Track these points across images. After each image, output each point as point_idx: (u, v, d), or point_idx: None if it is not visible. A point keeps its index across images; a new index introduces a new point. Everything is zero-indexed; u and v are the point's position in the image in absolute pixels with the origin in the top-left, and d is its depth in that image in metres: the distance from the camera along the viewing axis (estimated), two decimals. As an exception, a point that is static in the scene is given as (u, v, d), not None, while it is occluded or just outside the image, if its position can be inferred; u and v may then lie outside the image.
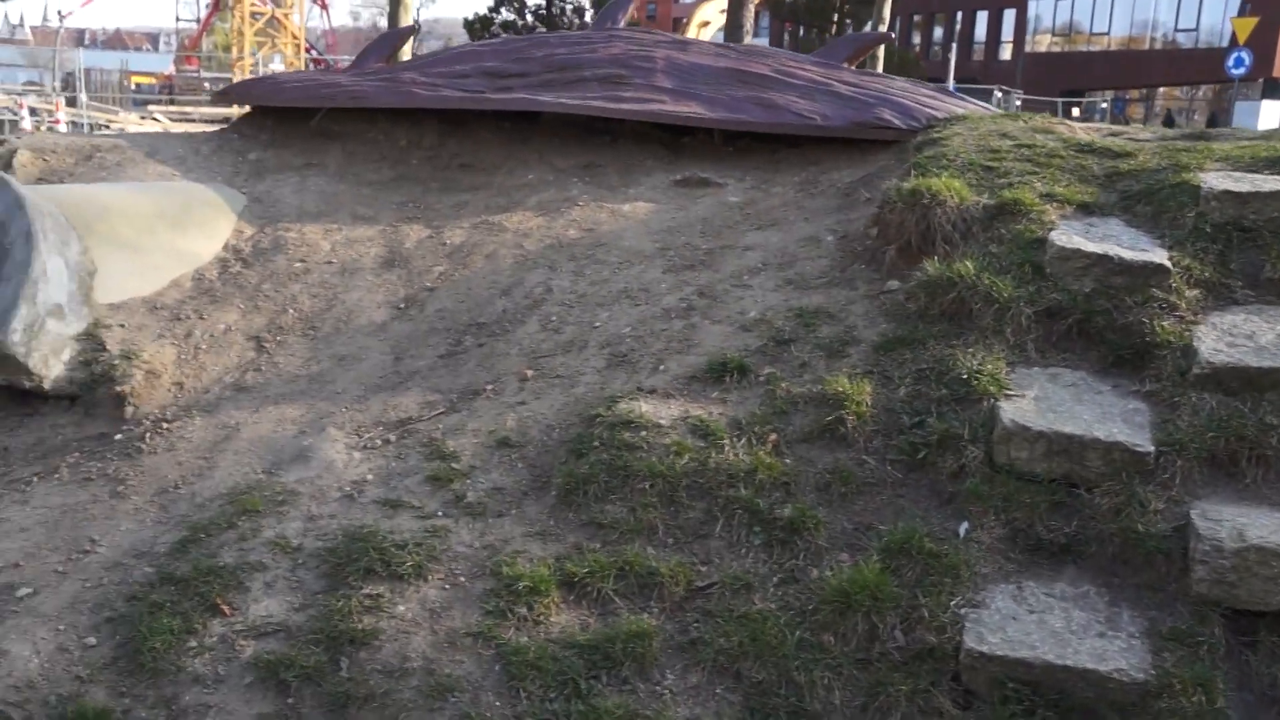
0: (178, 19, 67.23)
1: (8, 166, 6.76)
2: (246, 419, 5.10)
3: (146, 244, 6.14)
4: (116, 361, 5.37)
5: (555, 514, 4.38)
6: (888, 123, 6.94)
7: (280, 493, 4.49)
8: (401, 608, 3.95)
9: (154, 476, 4.75)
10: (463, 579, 4.07)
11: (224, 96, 8.59)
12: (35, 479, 4.89)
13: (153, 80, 62.18)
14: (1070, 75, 47.60)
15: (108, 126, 30.67)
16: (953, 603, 3.95)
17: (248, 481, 4.63)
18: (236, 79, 48.95)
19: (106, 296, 5.77)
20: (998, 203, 5.54)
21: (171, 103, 47.68)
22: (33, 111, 29.08)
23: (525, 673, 3.72)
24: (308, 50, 55.47)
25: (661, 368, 5.05)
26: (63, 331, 5.46)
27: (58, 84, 46.64)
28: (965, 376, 4.70)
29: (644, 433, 4.57)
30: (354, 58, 8.83)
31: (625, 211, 6.58)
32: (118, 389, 5.27)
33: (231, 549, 4.19)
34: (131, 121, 34.50)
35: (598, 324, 5.51)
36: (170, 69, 66.45)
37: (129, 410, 5.24)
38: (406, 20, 11.43)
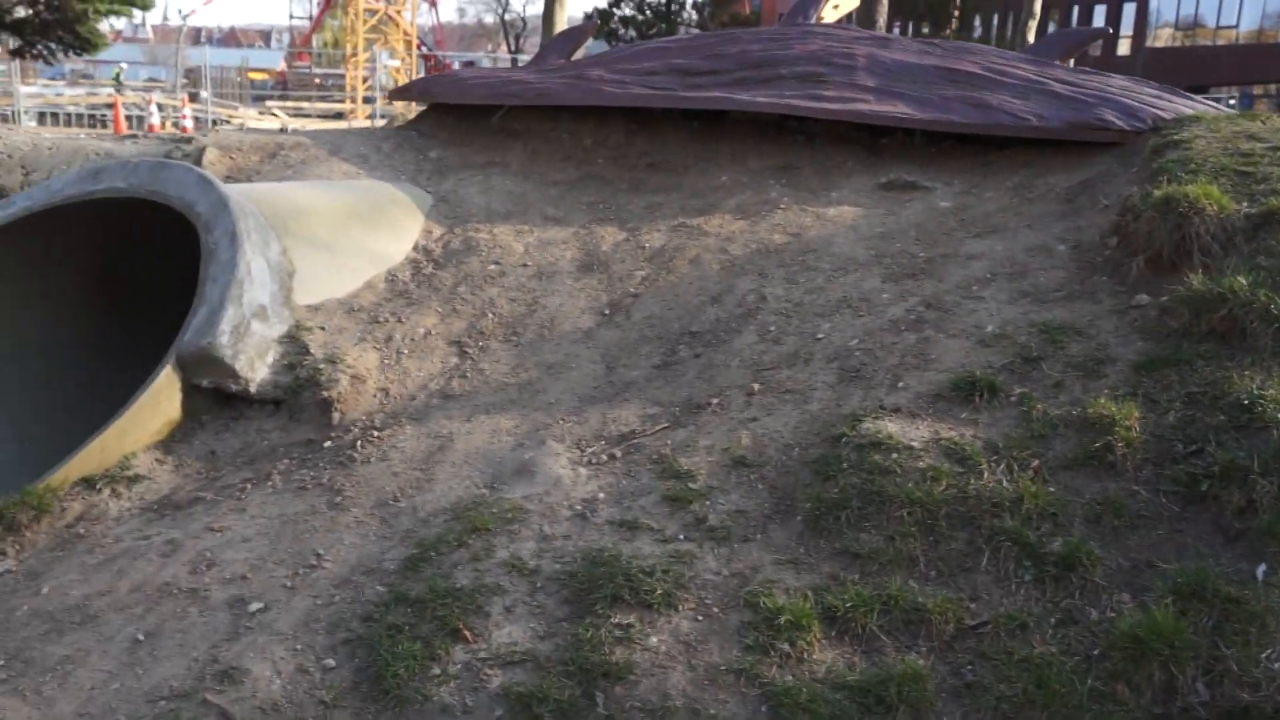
0: (291, 16, 68.43)
1: (196, 165, 6.73)
2: (459, 429, 4.93)
3: (341, 244, 6.03)
4: (321, 366, 5.25)
5: (804, 541, 4.10)
6: (1109, 124, 6.54)
7: (509, 510, 4.29)
8: (654, 639, 3.71)
9: (371, 488, 4.60)
10: (715, 609, 3.82)
11: (404, 93, 8.52)
12: (248, 486, 4.78)
13: (266, 76, 63.49)
14: (1194, 70, 45.87)
15: (228, 121, 31.32)
16: (1264, 656, 3.57)
17: (471, 496, 4.45)
18: (349, 75, 49.74)
19: (305, 298, 5.67)
20: (1262, 211, 5.12)
21: (284, 98, 48.59)
22: (159, 108, 29.79)
23: (796, 716, 3.45)
24: (418, 47, 56.00)
25: (900, 384, 4.74)
26: (267, 334, 5.36)
27: (180, 80, 48.01)
28: (1247, 402, 4.31)
29: (895, 455, 4.28)
30: (533, 55, 8.68)
31: (830, 216, 6.29)
32: (324, 394, 5.14)
33: (465, 570, 4.00)
34: (250, 117, 35.23)
35: (820, 335, 5.23)
36: (282, 65, 67.87)
37: (335, 416, 5.11)
38: (562, 17, 11.28)
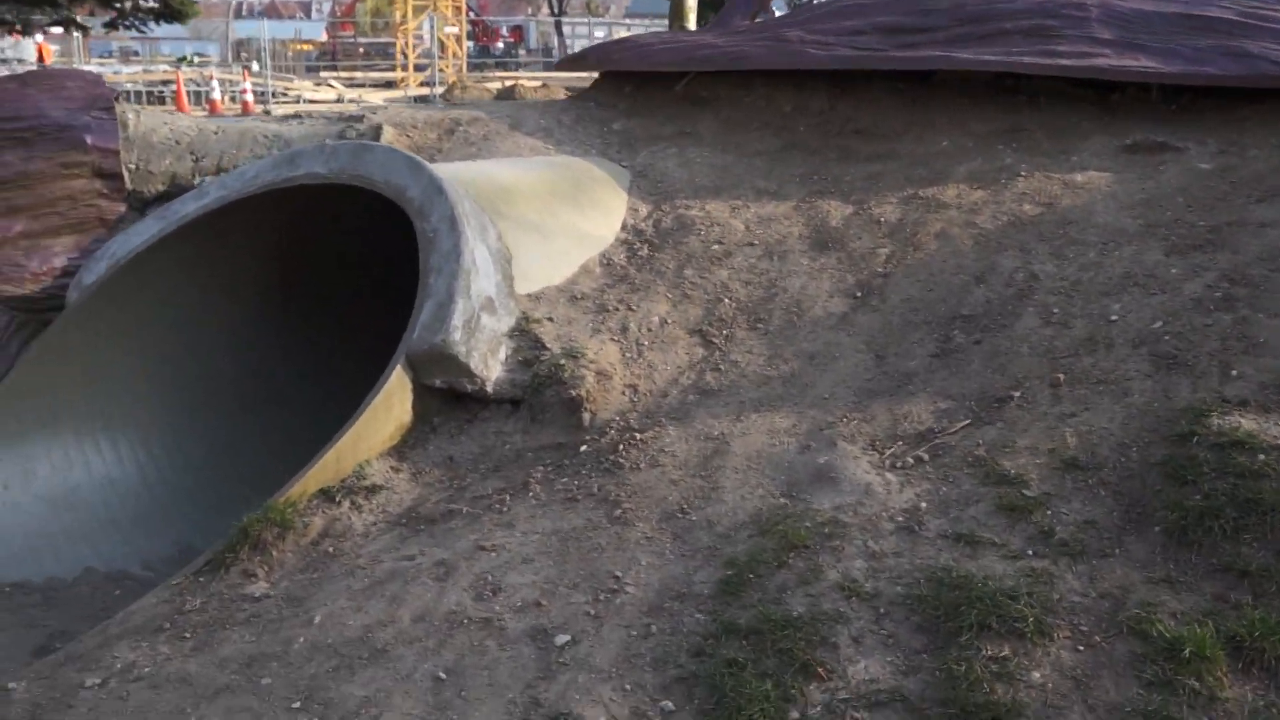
0: (338, -13, 68.41)
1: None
2: (730, 429, 4.53)
3: (550, 226, 5.65)
4: (562, 361, 4.86)
5: (1169, 555, 3.67)
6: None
7: (822, 523, 3.89)
8: (1036, 675, 3.30)
9: (650, 498, 4.22)
10: (1096, 638, 3.40)
11: (579, 61, 8.10)
12: (506, 497, 4.42)
13: (310, 48, 63.34)
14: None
15: (285, 94, 31.10)
16: None
17: (770, 508, 4.05)
18: (399, 43, 49.32)
19: (523, 286, 5.30)
20: None
21: (333, 68, 48.40)
22: (219, 83, 29.61)
23: (1227, 767, 3.02)
24: (467, 13, 55.43)
25: (1234, 373, 4.28)
26: (496, 327, 4.99)
27: (229, 55, 47.85)
28: None
29: (1262, 456, 3.82)
30: (716, 18, 8.20)
31: (1080, 183, 5.80)
32: (570, 393, 4.76)
33: (796, 594, 3.61)
34: (307, 88, 35.00)
35: (1113, 317, 4.77)
36: (324, 35, 67.65)
37: (585, 417, 4.74)
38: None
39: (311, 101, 29.69)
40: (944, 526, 3.83)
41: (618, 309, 5.29)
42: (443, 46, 51.13)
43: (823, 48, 6.57)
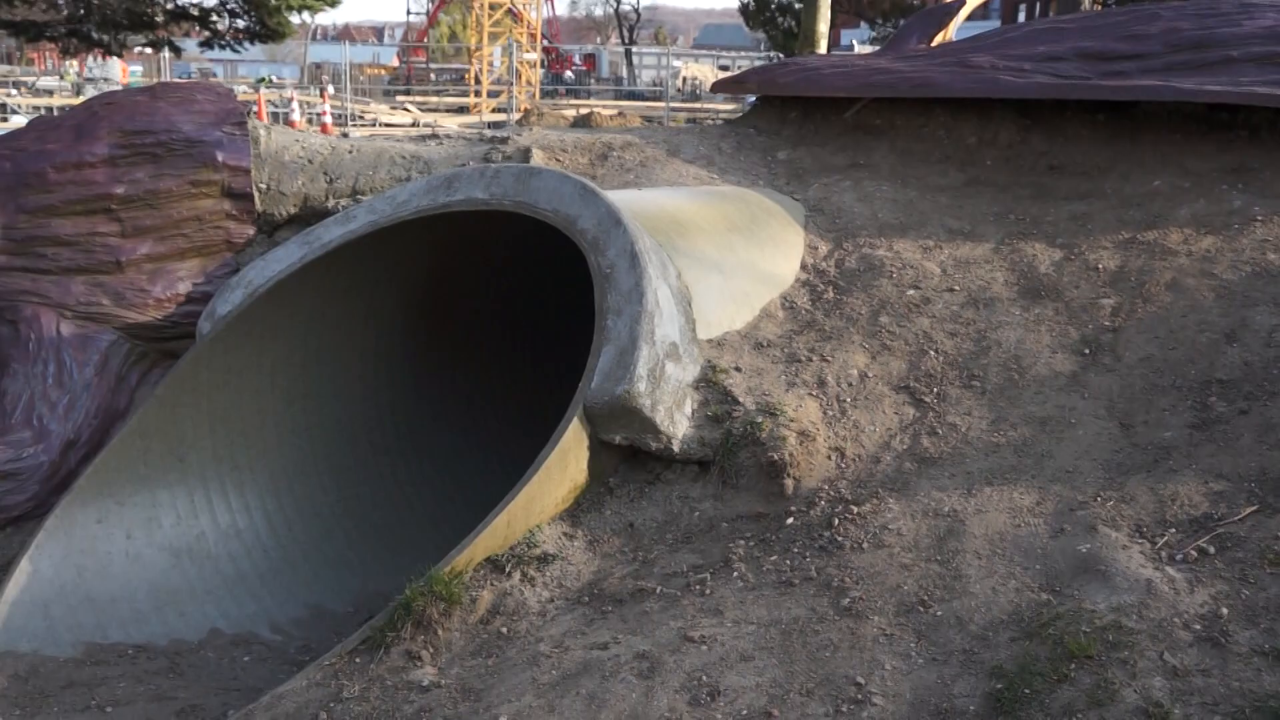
0: (409, 12, 69.43)
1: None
2: (961, 505, 3.95)
3: (729, 264, 5.13)
4: (759, 419, 4.32)
5: None
6: None
7: (1103, 628, 3.30)
8: None
9: (881, 586, 3.64)
10: None
11: (737, 84, 7.59)
12: (707, 576, 3.86)
13: (381, 72, 63.96)
14: None
15: (362, 117, 31.16)
16: None
17: (1029, 603, 3.47)
18: (472, 69, 49.47)
19: (703, 331, 4.78)
20: None
21: (408, 93, 48.75)
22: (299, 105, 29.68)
23: None
24: (542, 39, 55.64)
25: None
26: (681, 378, 4.46)
27: (305, 78, 48.23)
28: None
29: None
30: (891, 39, 7.67)
31: (1327, 229, 5.16)
32: (770, 456, 4.22)
33: (1088, 719, 3.00)
34: (383, 112, 35.13)
35: None
36: (395, 60, 68.41)
37: (788, 484, 4.18)
38: (824, 7, 10.28)
39: (388, 125, 29.67)
40: (1257, 640, 3.22)
41: (810, 359, 4.74)
42: (517, 74, 51.25)
43: (1018, 74, 6.00)
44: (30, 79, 50.63)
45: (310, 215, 6.07)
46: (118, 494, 4.84)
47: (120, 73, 54.08)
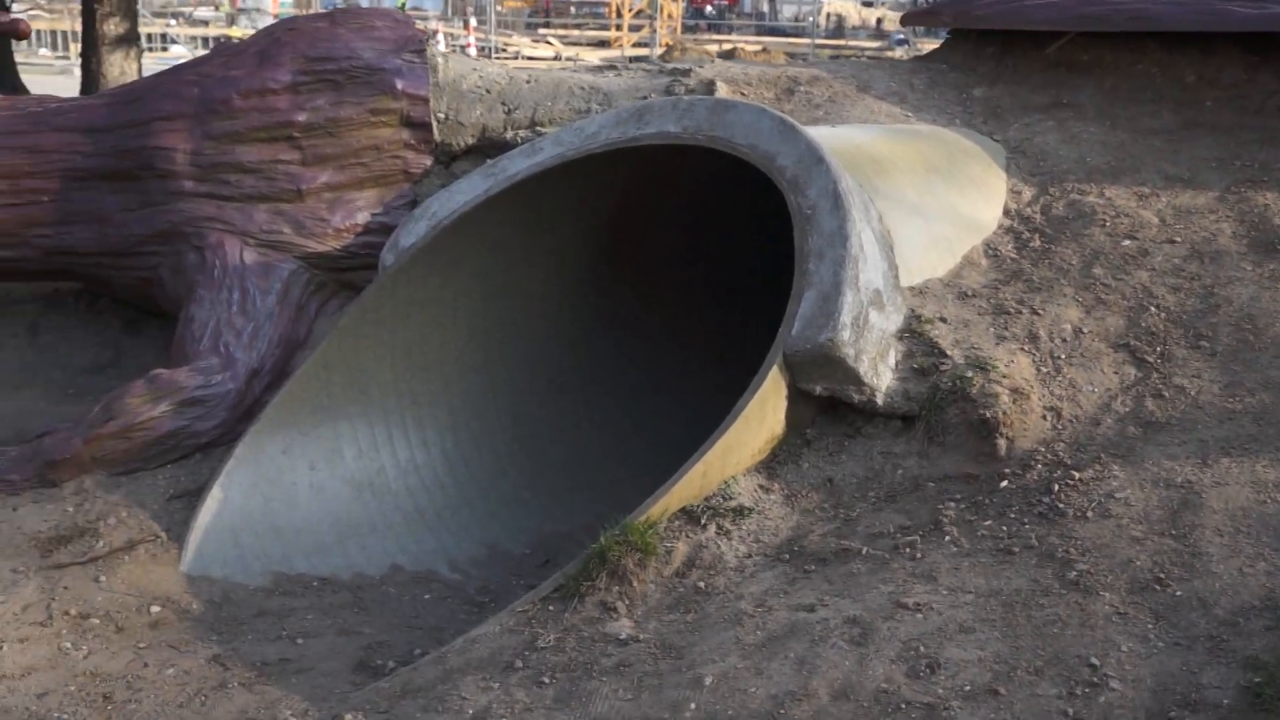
0: (544, -59, 69.09)
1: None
2: (1195, 476, 3.67)
3: (930, 207, 4.86)
4: (968, 374, 4.08)
5: None
6: None
7: (1373, 621, 2.99)
8: None
9: (1110, 560, 3.40)
10: None
11: (929, 16, 7.24)
12: (916, 539, 3.66)
13: (522, 4, 63.82)
14: None
15: (504, 49, 31.20)
16: None
17: (1285, 588, 3.17)
18: (613, 3, 48.97)
19: (904, 278, 4.52)
20: None
21: (547, 25, 48.75)
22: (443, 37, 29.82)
23: None
24: (673, -33, 54.54)
25: None
26: (884, 327, 4.24)
27: (448, 9, 48.43)
28: None
29: None
30: None
31: None
32: (981, 413, 3.98)
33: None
34: (524, 45, 35.16)
35: None
36: (531, -8, 67.99)
37: (1001, 444, 3.95)
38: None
39: (530, 58, 29.55)
40: None
41: (1019, 312, 4.46)
42: (659, 7, 50.79)
43: (1249, 3, 5.53)
44: (187, 9, 52.04)
45: (488, 146, 5.95)
46: (301, 425, 4.84)
47: (271, 3, 55.06)
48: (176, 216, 5.67)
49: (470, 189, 5.00)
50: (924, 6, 7.56)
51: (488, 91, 6.06)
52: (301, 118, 5.72)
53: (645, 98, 5.92)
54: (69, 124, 5.78)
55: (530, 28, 46.19)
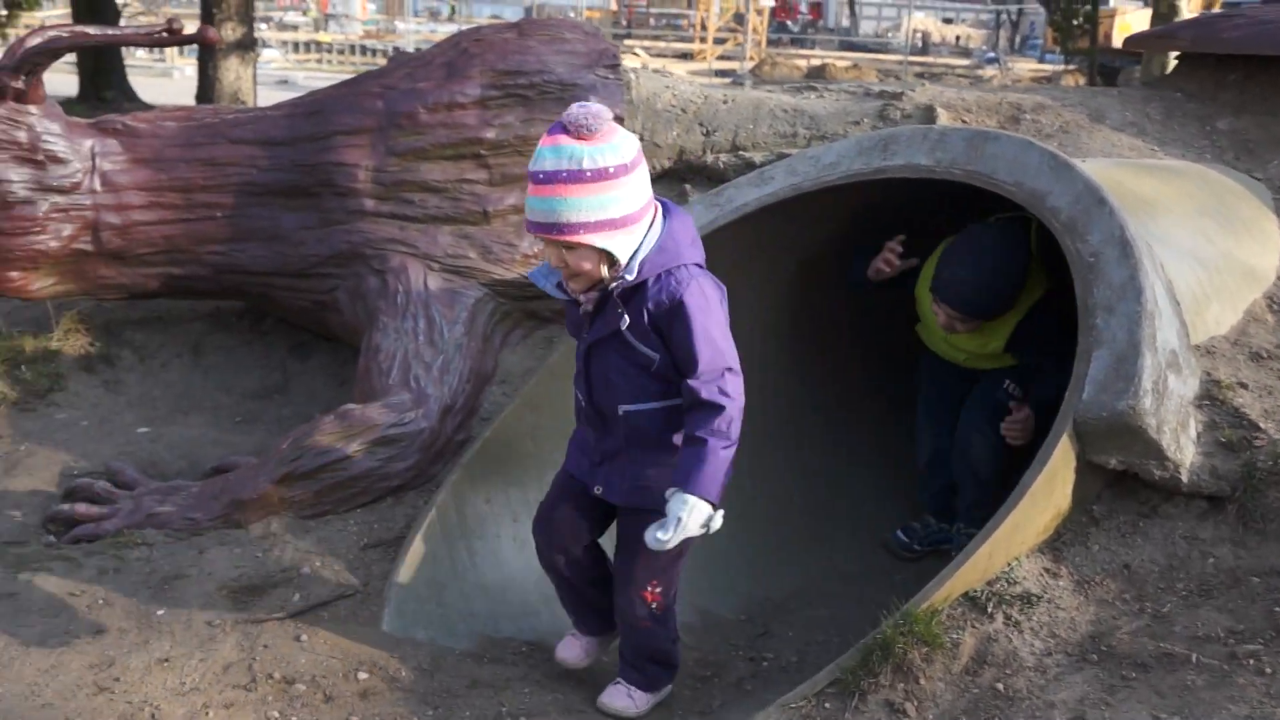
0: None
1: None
2: None
3: (1206, 254, 4.39)
4: (1290, 450, 3.56)
5: None
6: None
7: None
8: None
9: None
10: None
11: (1164, 40, 6.72)
12: (1260, 650, 3.18)
13: (600, 15, 63.96)
14: None
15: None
16: None
17: None
18: (699, 14, 48.75)
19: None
20: None
21: (629, 37, 48.76)
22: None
23: None
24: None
25: None
26: (1183, 393, 3.78)
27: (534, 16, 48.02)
28: None
29: None
30: None
31: None
32: (1310, 498, 3.45)
33: None
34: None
35: None
36: (614, 4, 68.42)
37: (1336, 536, 3.41)
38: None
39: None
40: None
41: (1324, 378, 3.95)
42: (740, 20, 50.49)
43: None
44: (275, 14, 52.67)
45: (685, 170, 5.58)
46: (506, 472, 4.47)
47: (361, 9, 55.58)
48: (356, 237, 5.34)
49: (693, 219, 4.58)
50: (1154, 29, 7.02)
51: (683, 111, 5.68)
52: (490, 134, 5.38)
53: (857, 122, 5.50)
54: (246, 136, 5.48)
55: (615, 39, 45.87)
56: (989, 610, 3.47)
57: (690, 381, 3.15)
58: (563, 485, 3.68)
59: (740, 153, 5.48)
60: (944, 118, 5.37)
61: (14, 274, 5.17)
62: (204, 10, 15.73)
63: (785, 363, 5.22)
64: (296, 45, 41.80)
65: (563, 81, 5.47)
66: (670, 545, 3.09)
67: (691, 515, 3.08)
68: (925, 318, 4.57)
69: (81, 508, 4.53)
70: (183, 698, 3.53)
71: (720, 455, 3.13)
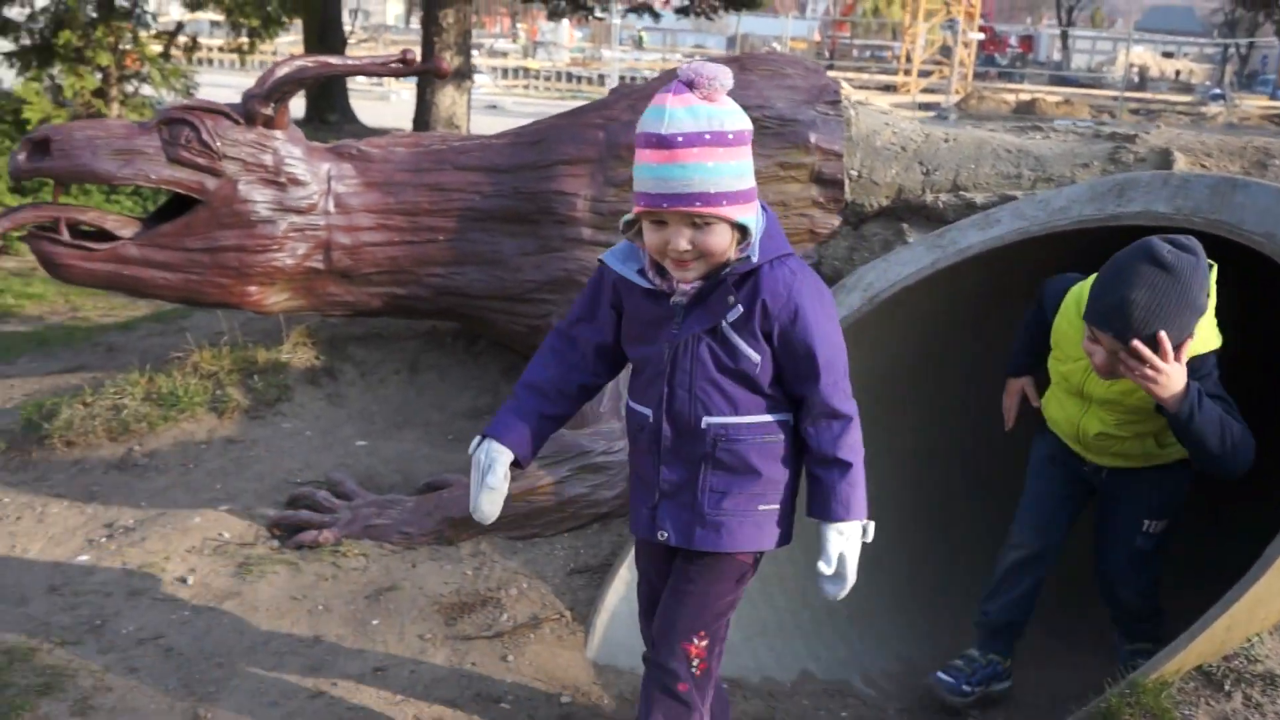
0: (841, -16, 68.73)
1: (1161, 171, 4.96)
2: None
3: None
4: None
5: None
6: None
7: None
8: None
9: None
10: None
11: None
12: None
13: (804, 46, 63.77)
14: None
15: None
16: None
17: None
18: (905, 47, 48.05)
19: None
20: None
21: (830, 68, 48.30)
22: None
23: None
24: (982, 17, 53.55)
25: None
26: None
27: (737, 50, 48.49)
28: None
29: None
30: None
31: None
32: None
33: None
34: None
35: None
36: (817, 35, 68.01)
37: None
38: None
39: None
40: None
41: None
42: (948, 53, 49.52)
43: None
44: (486, 41, 54.55)
45: (902, 209, 5.49)
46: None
47: (568, 37, 56.94)
48: (573, 265, 5.45)
49: (913, 260, 4.51)
50: None
51: (903, 149, 5.59)
52: (708, 168, 5.40)
53: (1086, 165, 5.31)
54: (471, 163, 5.67)
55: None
56: (1226, 688, 3.28)
57: (816, 387, 2.68)
58: (642, 571, 3.20)
59: (961, 193, 5.36)
60: (1181, 162, 5.13)
61: (252, 288, 5.47)
62: (424, 39, 16.39)
63: (982, 407, 5.07)
64: (505, 71, 43.17)
65: (783, 117, 5.47)
66: (848, 589, 2.78)
67: (855, 545, 2.78)
68: (1065, 378, 3.83)
69: (304, 514, 4.74)
70: (395, 707, 3.64)
71: (862, 473, 2.79)
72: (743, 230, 2.59)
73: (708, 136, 2.47)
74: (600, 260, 2.84)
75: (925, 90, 43.92)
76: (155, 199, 10.16)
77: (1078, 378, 3.73)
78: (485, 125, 20.82)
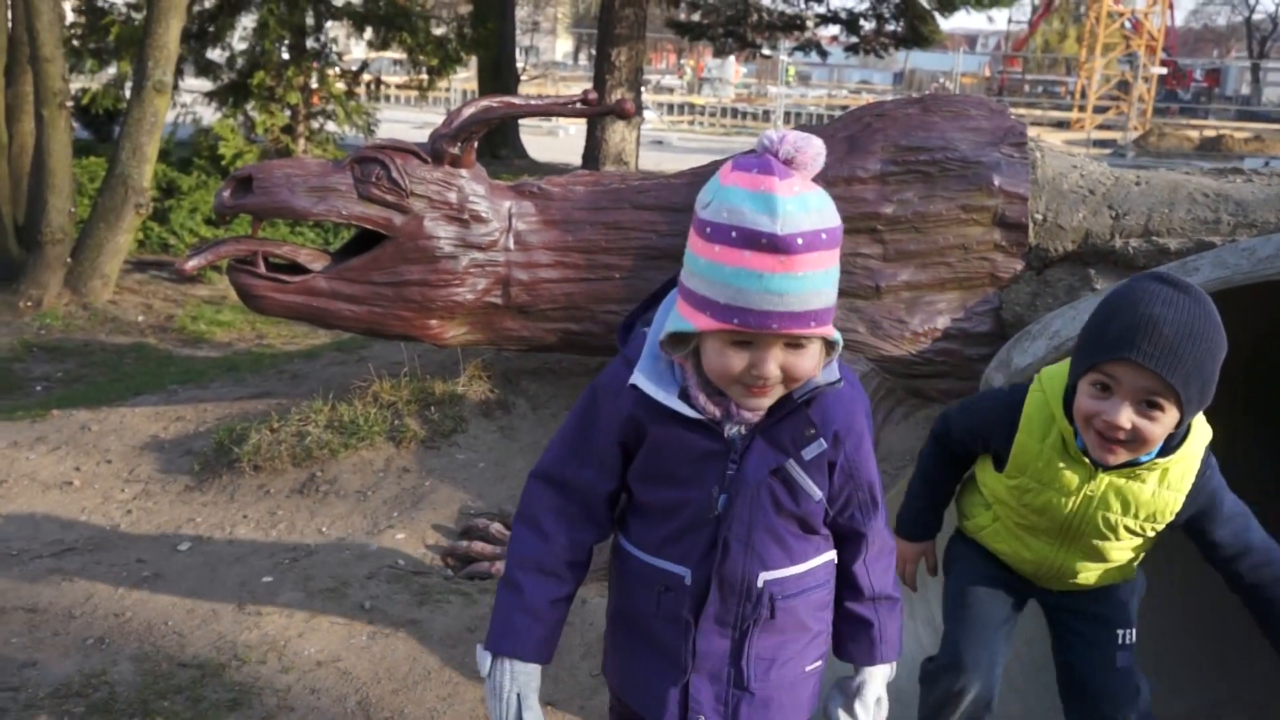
0: (1010, 20, 67.36)
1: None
2: None
3: None
4: None
5: None
6: None
7: None
8: None
9: None
10: None
11: None
12: None
13: (971, 81, 62.56)
14: None
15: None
16: None
17: None
18: (1080, 82, 46.69)
19: None
20: None
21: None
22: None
23: None
24: (1164, 50, 51.47)
25: None
26: None
27: (905, 84, 47.98)
28: None
29: None
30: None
31: None
32: None
33: None
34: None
35: None
36: (986, 70, 66.71)
37: None
38: None
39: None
40: None
41: None
42: (1126, 88, 47.87)
43: None
44: (653, 77, 55.25)
45: (1089, 254, 5.31)
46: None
47: (734, 73, 57.33)
48: (747, 305, 5.44)
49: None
50: None
51: (1091, 193, 5.42)
52: (888, 210, 5.35)
53: (1291, 211, 5.05)
54: (648, 202, 5.73)
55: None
56: None
57: (875, 521, 2.27)
58: None
59: (1153, 238, 5.16)
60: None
61: (433, 322, 5.63)
62: (596, 76, 16.72)
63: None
64: (671, 107, 43.62)
65: (965, 159, 5.37)
66: None
67: (886, 687, 2.37)
68: (1034, 510, 2.84)
69: (477, 546, 4.83)
70: (565, 744, 3.67)
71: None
72: (830, 346, 2.10)
73: (824, 237, 1.92)
74: (632, 385, 2.16)
75: (1100, 127, 42.63)
76: (338, 231, 10.68)
77: (1059, 511, 2.78)
78: (651, 160, 21.09)
